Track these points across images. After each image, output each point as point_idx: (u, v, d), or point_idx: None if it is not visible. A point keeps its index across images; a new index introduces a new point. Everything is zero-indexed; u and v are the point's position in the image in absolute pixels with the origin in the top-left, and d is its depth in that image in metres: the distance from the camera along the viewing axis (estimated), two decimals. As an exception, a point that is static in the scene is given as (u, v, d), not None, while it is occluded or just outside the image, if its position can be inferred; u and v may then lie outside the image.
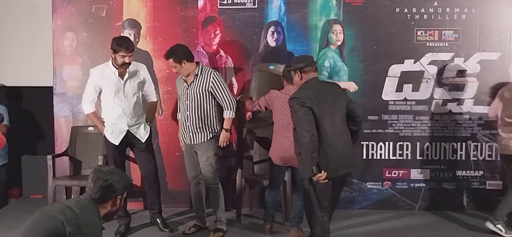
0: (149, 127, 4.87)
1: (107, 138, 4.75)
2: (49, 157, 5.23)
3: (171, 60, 4.64)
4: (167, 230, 4.93)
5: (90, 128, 5.47)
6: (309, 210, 4.08)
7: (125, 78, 4.67)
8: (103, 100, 4.74)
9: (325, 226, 4.00)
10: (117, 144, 4.74)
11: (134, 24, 5.49)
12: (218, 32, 5.49)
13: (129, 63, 4.61)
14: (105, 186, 2.71)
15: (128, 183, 2.86)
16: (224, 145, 4.82)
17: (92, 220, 2.64)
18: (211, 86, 4.68)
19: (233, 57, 5.51)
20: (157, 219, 5.00)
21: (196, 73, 4.70)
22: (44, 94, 5.75)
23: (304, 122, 3.76)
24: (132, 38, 5.42)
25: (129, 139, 4.77)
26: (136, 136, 4.77)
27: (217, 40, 5.48)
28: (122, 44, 4.54)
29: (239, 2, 5.45)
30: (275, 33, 5.48)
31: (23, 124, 6.10)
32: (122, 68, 4.61)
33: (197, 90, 4.69)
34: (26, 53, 5.92)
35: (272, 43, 5.48)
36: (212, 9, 5.48)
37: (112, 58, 4.61)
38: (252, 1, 5.45)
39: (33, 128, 6.20)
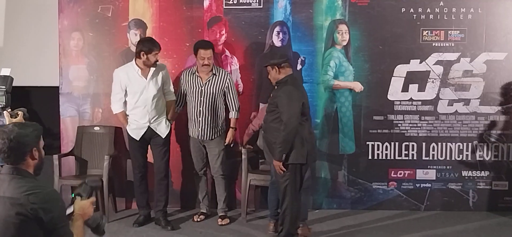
0: (169, 124, 5.06)
1: (129, 133, 5.00)
2: (55, 156, 5.25)
3: (210, 51, 4.94)
4: (168, 227, 5.00)
5: (96, 128, 5.50)
6: (291, 197, 4.35)
7: (148, 77, 4.86)
8: (127, 99, 4.96)
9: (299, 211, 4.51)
10: (137, 139, 4.96)
11: (140, 24, 5.50)
12: (223, 32, 5.49)
13: (157, 61, 4.86)
14: (13, 146, 2.39)
15: (39, 129, 2.53)
16: (231, 143, 5.15)
17: (42, 191, 2.39)
18: (226, 87, 5.03)
19: (239, 57, 5.52)
20: (160, 217, 5.08)
21: (214, 73, 4.97)
22: (50, 94, 5.77)
23: (295, 106, 4.24)
24: (137, 38, 5.45)
25: (149, 135, 4.97)
26: (156, 132, 4.96)
27: (222, 40, 5.49)
28: (155, 45, 4.82)
29: (244, 2, 5.45)
30: (281, 33, 5.48)
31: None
32: (152, 66, 4.84)
33: (213, 88, 4.97)
34: (33, 53, 5.93)
35: (277, 43, 5.48)
36: (217, 9, 5.48)
37: (141, 59, 4.80)
38: (257, 1, 5.45)
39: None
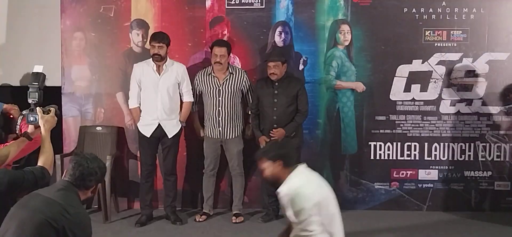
0: (180, 124, 5.09)
1: (139, 129, 5.05)
2: (58, 156, 5.24)
3: (224, 49, 5.01)
4: (178, 223, 5.08)
5: (98, 128, 5.50)
6: None
7: (161, 73, 4.95)
8: (142, 93, 5.05)
9: None
10: (148, 136, 5.00)
11: (142, 24, 5.50)
12: (225, 32, 5.49)
13: (160, 55, 4.91)
14: (90, 173, 2.61)
15: (105, 170, 2.76)
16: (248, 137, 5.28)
17: (80, 211, 2.56)
18: (244, 84, 5.15)
19: (241, 57, 5.52)
20: (169, 213, 5.16)
21: (231, 72, 5.07)
22: (53, 94, 5.76)
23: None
24: (140, 38, 5.47)
25: (159, 133, 5.02)
26: (165, 130, 4.99)
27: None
28: (153, 37, 4.98)
29: (246, 2, 5.45)
30: (283, 33, 5.47)
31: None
32: (155, 59, 4.92)
33: (232, 87, 5.07)
34: (35, 53, 5.93)
35: (279, 43, 5.48)
36: (219, 9, 5.48)
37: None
38: (259, 1, 5.45)
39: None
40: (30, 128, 3.13)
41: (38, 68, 3.21)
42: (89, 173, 2.61)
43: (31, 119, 3.08)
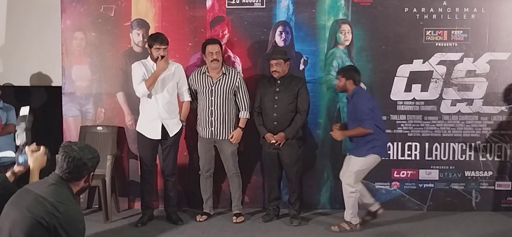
0: (181, 123, 5.08)
1: (141, 132, 4.99)
2: (58, 156, 5.24)
3: (217, 45, 5.01)
4: (179, 223, 5.09)
5: (99, 128, 5.50)
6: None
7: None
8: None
9: None
10: (148, 136, 4.95)
11: (143, 24, 5.50)
12: (226, 32, 5.48)
13: (164, 57, 4.84)
14: (77, 165, 2.55)
15: (98, 159, 2.71)
16: (237, 142, 5.15)
17: (70, 207, 2.50)
18: (236, 86, 5.07)
19: (241, 57, 5.51)
20: (170, 213, 5.16)
21: (224, 72, 5.02)
22: (53, 94, 5.77)
23: None
24: (140, 38, 5.47)
25: (161, 133, 4.97)
26: (166, 129, 4.97)
27: (225, 40, 5.47)
28: (156, 39, 4.86)
29: (247, 2, 5.44)
30: (283, 33, 5.47)
31: (32, 124, 6.09)
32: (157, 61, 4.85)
33: (224, 88, 5.02)
34: (35, 53, 5.95)
35: (280, 43, 5.47)
36: (220, 9, 5.48)
37: (149, 54, 4.92)
38: (260, 1, 5.44)
39: (41, 127, 6.19)
40: (18, 168, 3.07)
41: (24, 111, 3.23)
42: (77, 165, 2.55)
43: (21, 160, 3.05)
